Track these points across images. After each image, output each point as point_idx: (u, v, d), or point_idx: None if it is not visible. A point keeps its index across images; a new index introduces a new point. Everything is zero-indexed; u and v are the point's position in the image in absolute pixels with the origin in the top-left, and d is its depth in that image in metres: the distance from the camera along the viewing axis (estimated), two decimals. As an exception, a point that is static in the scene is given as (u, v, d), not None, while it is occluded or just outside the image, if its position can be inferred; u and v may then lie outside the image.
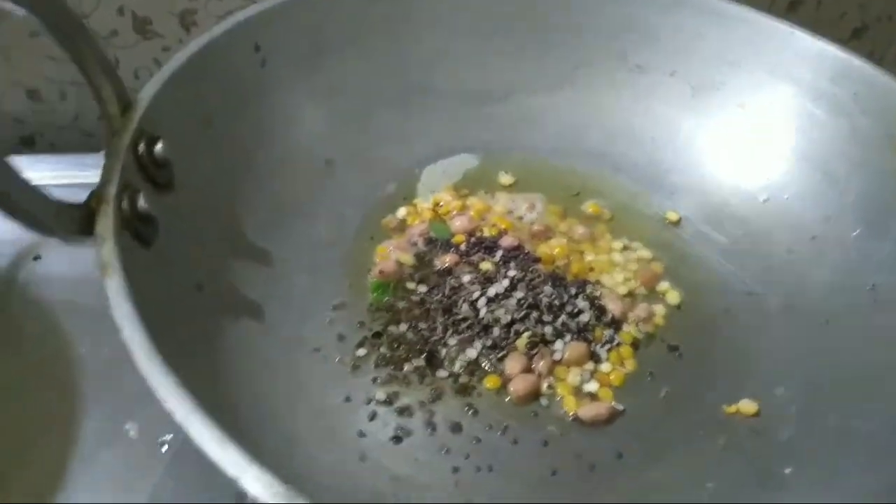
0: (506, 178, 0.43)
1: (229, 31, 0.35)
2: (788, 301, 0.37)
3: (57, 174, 0.44)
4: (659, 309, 0.37)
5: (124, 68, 0.44)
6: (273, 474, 0.19)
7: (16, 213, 0.23)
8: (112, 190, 0.26)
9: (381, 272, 0.36)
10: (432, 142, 0.43)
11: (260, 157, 0.36)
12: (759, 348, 0.35)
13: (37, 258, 0.39)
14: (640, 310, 0.36)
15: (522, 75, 0.44)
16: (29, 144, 0.46)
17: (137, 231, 0.27)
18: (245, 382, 0.29)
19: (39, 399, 0.35)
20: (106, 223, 0.25)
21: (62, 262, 0.40)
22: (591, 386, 0.33)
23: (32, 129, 0.46)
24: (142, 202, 0.27)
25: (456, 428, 0.31)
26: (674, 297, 0.37)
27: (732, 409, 0.33)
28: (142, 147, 0.29)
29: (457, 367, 0.33)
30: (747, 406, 0.33)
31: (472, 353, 0.34)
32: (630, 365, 0.34)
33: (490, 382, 0.33)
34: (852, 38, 0.53)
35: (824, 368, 0.34)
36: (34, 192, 0.24)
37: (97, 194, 0.26)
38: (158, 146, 0.29)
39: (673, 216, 0.41)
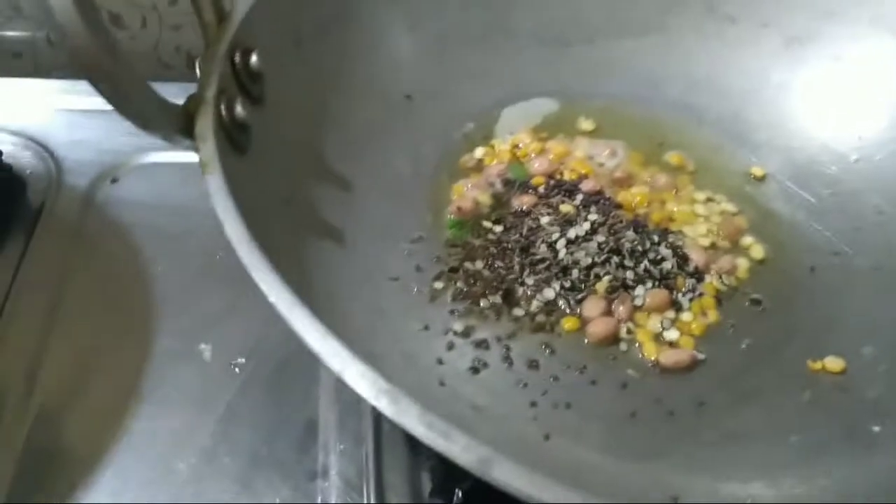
0: (586, 124, 0.41)
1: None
2: (877, 262, 0.36)
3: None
4: (742, 262, 0.35)
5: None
6: (377, 372, 0.19)
7: (129, 111, 0.23)
8: (211, 93, 0.26)
9: (458, 209, 0.36)
10: (513, 83, 0.42)
11: (346, 82, 0.36)
12: (845, 308, 0.34)
13: (114, 181, 0.40)
14: (724, 262, 0.35)
15: (608, 19, 0.43)
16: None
17: (233, 137, 0.27)
18: (327, 299, 0.28)
19: (116, 317, 0.35)
20: (206, 124, 0.25)
21: (139, 185, 0.40)
22: (672, 334, 0.32)
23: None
24: (239, 109, 0.27)
25: (533, 364, 0.30)
26: (758, 251, 0.36)
27: (818, 365, 0.32)
28: (238, 57, 0.29)
29: (534, 306, 0.33)
30: (833, 363, 0.32)
31: (549, 293, 0.33)
32: (712, 315, 0.33)
33: (568, 324, 0.32)
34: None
35: (915, 330, 0.33)
36: (149, 93, 0.24)
37: (196, 97, 0.26)
38: (253, 58, 0.29)
39: (758, 172, 0.40)
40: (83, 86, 0.44)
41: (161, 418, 0.31)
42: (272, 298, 0.20)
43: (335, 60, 0.36)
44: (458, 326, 0.31)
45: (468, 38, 0.41)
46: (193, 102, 0.26)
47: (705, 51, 0.43)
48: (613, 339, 0.32)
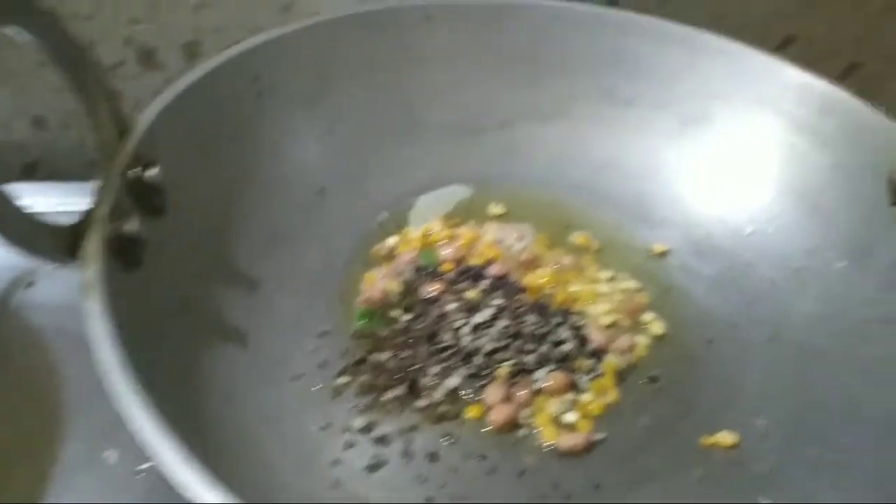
0: (497, 209, 0.43)
1: (229, 61, 0.37)
2: (772, 333, 0.37)
3: (58, 201, 0.45)
4: (642, 340, 0.37)
5: (127, 100, 0.45)
6: (234, 494, 0.19)
7: (6, 234, 0.24)
8: (102, 213, 0.27)
9: (366, 300, 0.37)
10: (425, 172, 0.44)
11: (254, 184, 0.37)
12: (740, 380, 0.36)
13: (30, 285, 0.40)
14: (623, 340, 0.36)
15: (516, 108, 0.45)
16: (31, 172, 0.48)
17: (125, 254, 0.28)
18: (223, 405, 0.29)
19: (24, 421, 0.35)
20: (93, 246, 0.26)
21: (54, 289, 0.41)
22: (571, 416, 0.33)
23: (36, 156, 0.47)
24: (130, 226, 0.28)
25: (433, 457, 0.31)
26: (658, 327, 0.38)
27: (711, 440, 0.33)
28: (136, 172, 0.30)
29: (437, 395, 0.33)
30: (726, 437, 0.33)
31: (453, 381, 0.34)
32: (611, 395, 0.34)
33: (471, 412, 0.33)
34: (846, 74, 0.54)
35: (805, 400, 0.34)
36: (24, 216, 0.25)
37: (88, 216, 0.27)
38: (152, 171, 0.30)
39: (659, 248, 0.42)
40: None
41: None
42: (136, 427, 0.21)
43: (244, 164, 0.37)
44: (359, 423, 0.32)
45: (381, 132, 0.43)
46: (85, 222, 0.27)
47: (606, 134, 0.45)
48: (514, 425, 0.33)
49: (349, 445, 0.31)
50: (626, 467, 0.32)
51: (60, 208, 0.44)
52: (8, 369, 0.36)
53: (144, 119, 0.31)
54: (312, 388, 0.33)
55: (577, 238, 0.42)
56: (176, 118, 0.33)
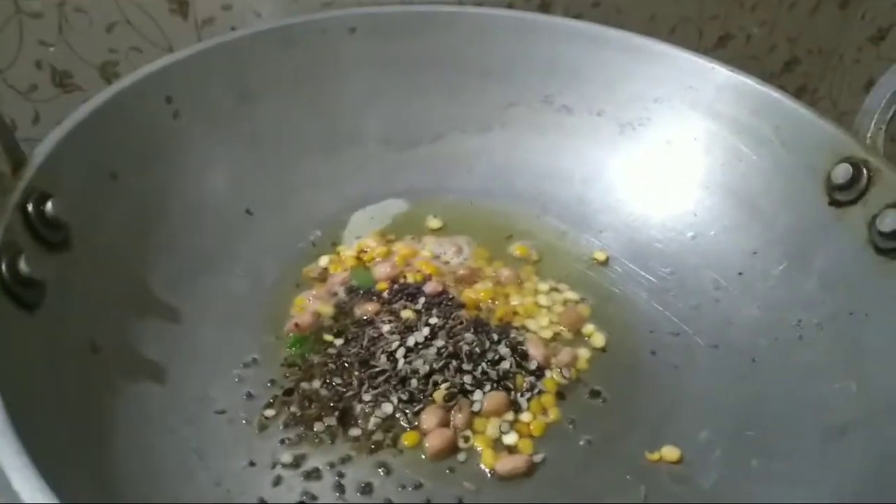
0: (434, 222, 0.42)
1: (137, 83, 0.35)
2: (715, 340, 0.37)
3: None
4: (583, 353, 0.36)
5: (45, 122, 0.43)
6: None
7: None
8: (-9, 254, 0.25)
9: (296, 325, 0.35)
10: (359, 188, 0.43)
11: (173, 210, 0.36)
12: (684, 391, 0.35)
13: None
14: (564, 354, 0.35)
15: (450, 119, 0.44)
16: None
17: (19, 295, 0.26)
18: (139, 448, 0.27)
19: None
20: (-20, 290, 0.24)
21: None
22: (511, 438, 0.32)
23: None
24: (23, 266, 0.26)
25: (366, 489, 0.30)
26: (598, 339, 0.37)
27: (655, 456, 0.32)
28: (31, 207, 0.28)
29: (371, 424, 0.32)
30: (670, 452, 0.32)
31: (388, 407, 0.32)
32: (552, 413, 0.33)
33: (408, 439, 0.32)
34: (784, 71, 0.53)
35: (748, 410, 0.33)
36: None
37: (-25, 259, 0.25)
38: (48, 205, 0.28)
39: (601, 255, 0.41)
40: None
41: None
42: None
43: (161, 189, 0.35)
44: (288, 457, 0.30)
45: (309, 148, 0.42)
46: (-28, 264, 0.25)
47: (546, 141, 0.44)
48: (452, 449, 0.32)
49: (277, 482, 0.29)
50: (570, 488, 0.31)
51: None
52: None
53: (40, 151, 0.29)
54: (237, 423, 0.31)
55: (517, 249, 0.41)
56: (79, 146, 0.31)
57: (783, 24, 0.51)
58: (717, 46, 0.51)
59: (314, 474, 0.30)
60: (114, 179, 0.33)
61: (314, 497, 0.29)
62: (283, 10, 0.42)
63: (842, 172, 0.35)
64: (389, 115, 0.43)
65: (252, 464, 0.30)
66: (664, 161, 0.42)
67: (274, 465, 0.30)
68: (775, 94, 0.39)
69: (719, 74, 0.41)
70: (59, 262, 0.29)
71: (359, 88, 0.42)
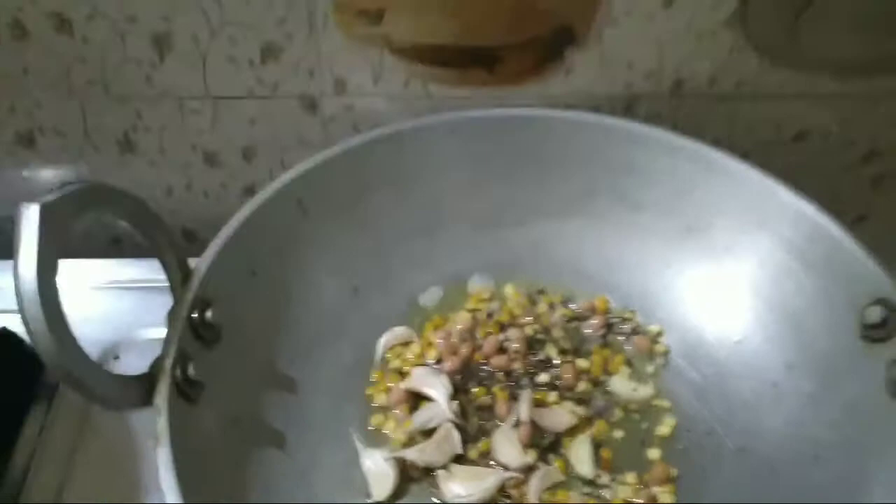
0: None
1: (276, 192, 0.42)
2: (743, 444, 0.42)
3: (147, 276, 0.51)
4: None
5: (195, 190, 0.52)
6: None
7: (86, 392, 0.31)
8: (169, 362, 0.34)
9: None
10: (450, 265, 0.50)
11: (296, 295, 0.44)
12: (706, 491, 0.40)
13: (116, 358, 0.48)
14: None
15: (530, 207, 0.50)
16: (117, 243, 0.55)
17: (187, 394, 0.35)
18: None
19: (114, 492, 0.43)
20: (162, 396, 0.33)
21: (138, 361, 0.48)
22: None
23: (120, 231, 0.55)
24: (191, 371, 0.35)
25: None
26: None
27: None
28: (196, 314, 0.36)
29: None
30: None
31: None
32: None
33: None
34: (863, 163, 0.56)
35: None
36: (103, 373, 0.32)
37: (156, 366, 0.34)
38: (209, 313, 0.37)
39: (660, 348, 0.46)
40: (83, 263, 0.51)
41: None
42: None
43: (289, 278, 0.43)
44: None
45: (413, 232, 0.49)
46: (154, 370, 0.34)
47: (617, 233, 0.50)
48: None
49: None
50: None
51: (147, 284, 0.52)
52: (100, 443, 0.44)
53: (202, 263, 0.38)
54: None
55: (581, 330, 0.47)
56: (229, 255, 0.39)
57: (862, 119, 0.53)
58: (795, 140, 0.54)
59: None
60: (253, 276, 0.41)
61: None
62: (395, 110, 0.49)
63: (875, 313, 0.39)
64: (481, 202, 0.50)
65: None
66: (723, 267, 0.47)
67: None
68: (832, 224, 0.42)
69: (782, 196, 0.44)
70: (212, 356, 0.37)
71: (454, 181, 0.49)
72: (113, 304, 0.51)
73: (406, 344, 0.46)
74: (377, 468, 0.40)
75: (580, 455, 0.41)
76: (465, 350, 0.45)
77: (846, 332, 0.41)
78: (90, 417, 0.45)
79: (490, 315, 0.48)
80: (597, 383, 0.45)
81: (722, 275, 0.47)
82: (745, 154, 0.46)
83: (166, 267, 0.37)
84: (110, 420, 0.45)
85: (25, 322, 0.28)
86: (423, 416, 0.42)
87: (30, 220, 0.28)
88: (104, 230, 0.54)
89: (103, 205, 0.33)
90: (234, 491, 0.36)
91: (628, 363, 0.46)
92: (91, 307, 0.50)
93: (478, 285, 0.50)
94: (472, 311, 0.48)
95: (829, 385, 0.41)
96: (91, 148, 0.50)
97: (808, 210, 0.43)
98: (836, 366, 0.41)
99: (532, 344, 0.46)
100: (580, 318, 0.48)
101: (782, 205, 0.44)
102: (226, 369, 0.38)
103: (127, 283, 0.52)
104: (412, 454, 0.40)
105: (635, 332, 0.47)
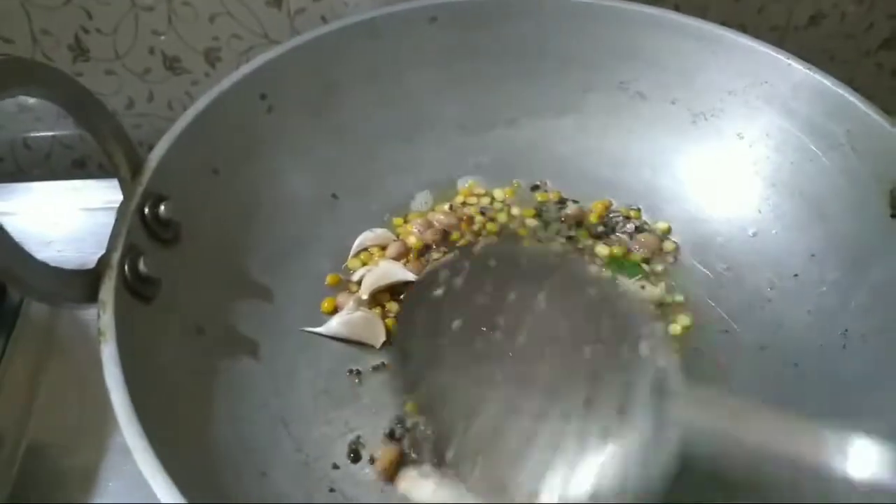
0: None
1: (235, 84, 0.38)
2: (762, 341, 0.38)
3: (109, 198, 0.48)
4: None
5: (158, 101, 0.48)
6: None
7: (24, 287, 0.27)
8: (116, 257, 0.30)
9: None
10: (435, 171, 0.46)
11: (267, 198, 0.40)
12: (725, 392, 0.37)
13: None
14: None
15: (526, 102, 0.46)
16: (80, 167, 0.52)
17: (138, 292, 0.31)
18: (234, 419, 0.33)
19: (78, 414, 0.40)
20: (108, 290, 0.29)
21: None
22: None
23: (82, 153, 0.51)
24: (142, 266, 0.31)
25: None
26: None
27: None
28: (147, 209, 0.33)
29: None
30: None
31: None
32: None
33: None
34: (882, 48, 0.51)
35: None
36: (45, 268, 0.28)
37: (103, 261, 0.31)
38: (162, 207, 0.33)
39: (668, 246, 0.43)
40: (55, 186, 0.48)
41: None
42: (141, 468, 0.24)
43: (257, 180, 0.39)
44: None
45: (390, 134, 0.44)
46: (100, 266, 0.30)
47: (619, 127, 0.45)
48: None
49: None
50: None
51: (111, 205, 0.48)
52: (65, 363, 0.41)
53: (154, 156, 0.34)
54: (320, 395, 0.36)
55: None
56: (186, 150, 0.35)
57: (882, 2, 0.49)
58: (809, 25, 0.49)
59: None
60: (216, 175, 0.37)
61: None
62: (369, 2, 0.45)
63: (906, 187, 0.35)
64: (467, 101, 0.46)
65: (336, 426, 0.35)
66: (734, 155, 0.43)
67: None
68: (851, 97, 0.38)
69: (796, 71, 0.40)
70: (170, 256, 0.33)
71: (437, 75, 0.44)
72: (77, 227, 0.47)
73: (384, 248, 0.42)
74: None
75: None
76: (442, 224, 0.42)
77: (873, 213, 0.37)
78: (54, 341, 0.42)
79: (483, 212, 0.44)
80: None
81: (734, 164, 0.43)
82: (755, 42, 0.42)
83: (112, 158, 0.33)
84: (76, 344, 0.42)
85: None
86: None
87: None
88: (66, 152, 0.50)
89: (27, 82, 0.29)
90: (199, 400, 0.32)
91: (635, 260, 0.42)
92: (54, 230, 0.47)
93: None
94: (462, 204, 0.44)
95: (856, 270, 0.37)
96: (42, 56, 0.46)
97: (824, 84, 0.40)
98: (863, 249, 0.37)
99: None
100: (579, 218, 0.44)
101: (797, 82, 0.40)
102: (188, 273, 0.34)
103: (90, 205, 0.48)
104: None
105: (640, 230, 0.43)
